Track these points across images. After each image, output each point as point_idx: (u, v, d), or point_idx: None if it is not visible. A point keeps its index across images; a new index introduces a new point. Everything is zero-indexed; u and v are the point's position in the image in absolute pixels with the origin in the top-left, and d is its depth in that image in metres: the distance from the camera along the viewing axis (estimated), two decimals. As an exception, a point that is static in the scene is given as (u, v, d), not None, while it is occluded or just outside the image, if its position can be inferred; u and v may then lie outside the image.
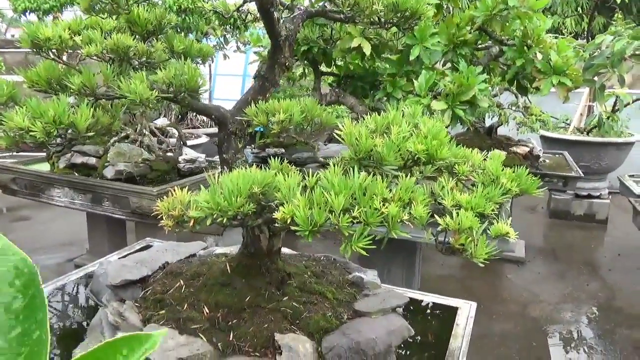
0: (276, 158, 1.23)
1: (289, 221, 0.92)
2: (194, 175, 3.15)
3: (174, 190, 1.08)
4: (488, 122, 4.04)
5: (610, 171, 5.00)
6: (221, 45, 5.59)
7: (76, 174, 3.01)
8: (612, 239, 4.59)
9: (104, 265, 1.55)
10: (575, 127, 5.22)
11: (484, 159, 1.22)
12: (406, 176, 1.05)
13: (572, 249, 4.33)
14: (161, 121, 3.95)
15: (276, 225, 0.95)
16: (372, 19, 1.83)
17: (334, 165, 1.03)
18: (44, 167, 3.23)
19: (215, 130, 2.14)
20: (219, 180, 1.04)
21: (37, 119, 1.16)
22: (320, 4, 1.92)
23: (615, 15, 6.30)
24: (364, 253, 0.86)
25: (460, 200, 1.05)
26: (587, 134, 4.98)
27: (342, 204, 0.89)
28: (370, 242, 0.88)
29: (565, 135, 4.95)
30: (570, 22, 11.30)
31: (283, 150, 3.43)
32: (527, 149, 3.70)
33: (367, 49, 2.35)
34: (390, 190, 1.01)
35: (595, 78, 2.38)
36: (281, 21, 1.42)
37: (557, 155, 4.20)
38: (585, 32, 6.26)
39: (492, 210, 1.06)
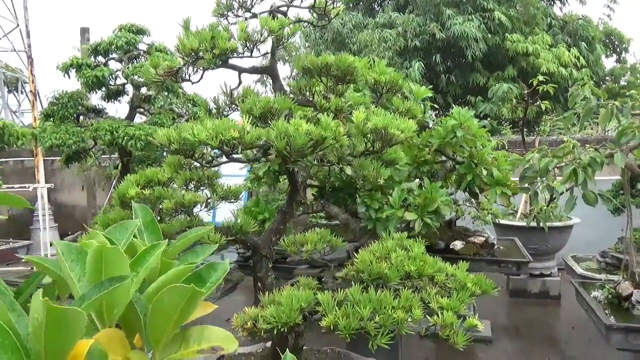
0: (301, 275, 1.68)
1: (332, 327, 1.35)
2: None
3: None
4: (447, 217, 4.61)
5: (557, 251, 5.62)
6: None
7: None
8: (565, 313, 5.10)
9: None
10: (522, 212, 5.91)
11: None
12: (404, 288, 1.51)
13: (532, 325, 4.80)
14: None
15: (322, 329, 1.38)
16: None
17: (354, 284, 1.48)
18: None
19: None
20: (275, 298, 1.47)
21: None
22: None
23: (544, 105, 7.24)
24: (387, 347, 1.30)
25: (442, 303, 1.51)
26: (534, 218, 5.63)
27: (368, 314, 1.34)
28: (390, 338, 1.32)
29: (514, 222, 5.60)
30: (507, 111, 12.65)
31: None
32: (483, 239, 4.26)
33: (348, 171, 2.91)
34: (394, 298, 1.47)
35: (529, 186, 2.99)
36: (296, 169, 1.93)
37: (509, 241, 4.78)
38: (522, 120, 7.15)
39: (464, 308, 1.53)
